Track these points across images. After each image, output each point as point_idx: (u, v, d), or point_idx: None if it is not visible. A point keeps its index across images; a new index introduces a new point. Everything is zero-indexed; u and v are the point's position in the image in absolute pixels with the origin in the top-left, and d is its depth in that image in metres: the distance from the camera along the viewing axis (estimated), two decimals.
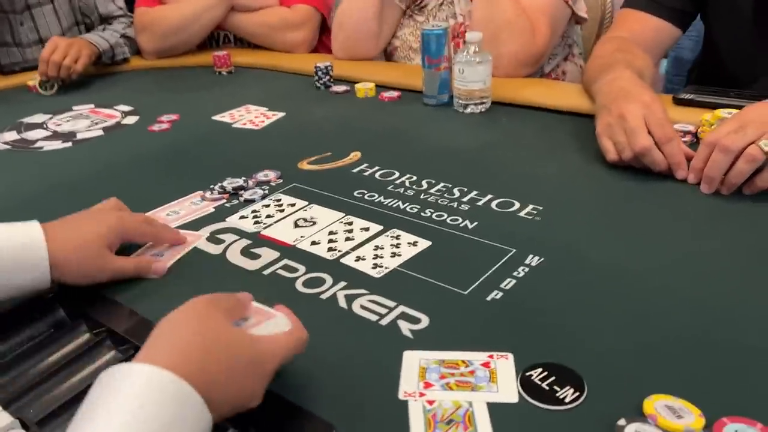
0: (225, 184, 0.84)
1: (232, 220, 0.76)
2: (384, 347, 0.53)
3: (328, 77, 1.28)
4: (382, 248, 0.67)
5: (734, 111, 0.81)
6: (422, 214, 0.75)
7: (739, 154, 0.71)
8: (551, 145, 0.93)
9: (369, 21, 1.34)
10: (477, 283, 0.60)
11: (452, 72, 1.08)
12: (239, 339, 0.44)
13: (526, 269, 0.62)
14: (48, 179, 0.94)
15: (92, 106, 1.28)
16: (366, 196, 0.80)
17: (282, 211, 0.78)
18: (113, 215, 0.66)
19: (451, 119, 1.06)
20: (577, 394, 0.46)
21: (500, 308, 0.57)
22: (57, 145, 1.08)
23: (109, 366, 0.54)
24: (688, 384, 0.47)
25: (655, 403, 0.44)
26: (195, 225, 0.75)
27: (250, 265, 0.66)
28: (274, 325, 0.48)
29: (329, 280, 0.63)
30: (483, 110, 1.07)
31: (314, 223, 0.74)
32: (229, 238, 0.72)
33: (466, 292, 0.59)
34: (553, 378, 0.48)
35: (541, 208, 0.74)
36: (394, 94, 1.19)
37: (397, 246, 0.68)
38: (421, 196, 0.79)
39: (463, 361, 0.50)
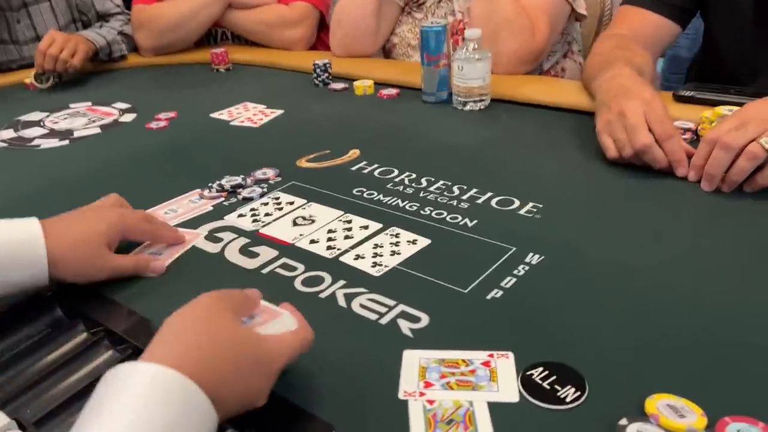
0: (223, 182, 0.84)
1: (231, 219, 0.76)
2: (384, 346, 0.52)
3: (326, 74, 1.27)
4: (382, 246, 0.67)
5: (735, 108, 0.81)
6: (422, 212, 0.74)
7: (740, 152, 0.71)
8: (551, 143, 0.93)
9: (367, 18, 1.33)
10: (477, 282, 0.60)
11: (451, 69, 1.07)
12: (246, 338, 0.43)
13: (527, 267, 0.62)
14: (45, 177, 0.94)
15: (89, 103, 1.27)
16: (365, 194, 0.80)
17: (280, 209, 0.77)
18: (114, 212, 0.65)
19: (450, 116, 1.06)
20: (578, 393, 0.46)
21: (500, 307, 0.57)
22: (54, 143, 1.07)
23: (106, 365, 0.54)
24: (690, 383, 0.46)
25: (657, 403, 0.44)
26: (193, 223, 0.75)
27: (249, 263, 0.66)
28: (281, 324, 0.48)
29: (328, 278, 0.62)
30: (482, 107, 1.07)
31: (313, 221, 0.74)
32: (227, 236, 0.72)
33: (466, 291, 0.59)
34: (554, 377, 0.47)
35: (541, 205, 0.74)
36: (393, 91, 1.19)
37: (396, 244, 0.67)
38: (421, 194, 0.79)
39: (464, 361, 0.50)
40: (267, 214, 0.76)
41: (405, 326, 0.55)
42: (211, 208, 0.79)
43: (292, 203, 0.78)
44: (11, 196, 0.88)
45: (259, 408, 0.43)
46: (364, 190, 0.81)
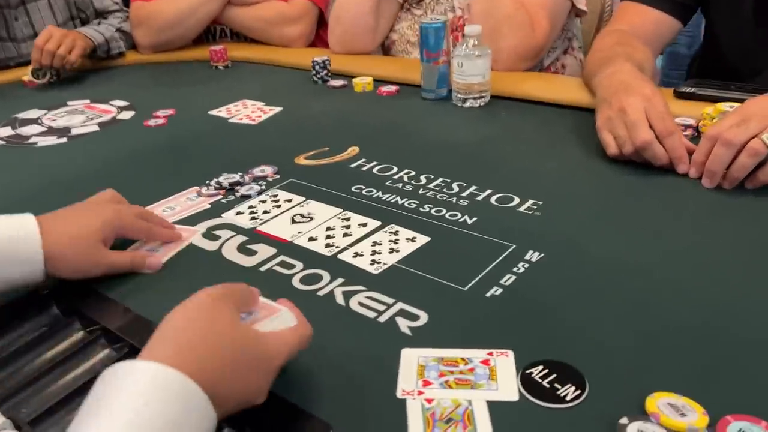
0: (221, 179, 0.83)
1: (229, 216, 0.75)
2: (382, 344, 0.52)
3: (325, 71, 1.27)
4: (380, 244, 0.67)
5: (736, 104, 0.81)
6: (421, 209, 0.74)
7: (742, 148, 0.70)
8: (551, 140, 0.92)
9: (366, 15, 1.32)
10: (476, 279, 0.60)
11: (451, 66, 1.06)
12: (246, 336, 0.43)
13: (526, 265, 0.61)
14: (42, 175, 0.93)
15: (87, 101, 1.27)
16: (364, 192, 0.79)
17: (279, 206, 0.77)
18: (109, 209, 0.65)
19: (450, 113, 1.05)
20: (579, 392, 0.45)
21: (500, 304, 0.56)
22: (52, 140, 1.07)
23: (103, 364, 0.54)
24: (692, 381, 0.46)
25: (658, 401, 0.43)
26: (191, 221, 0.74)
27: (247, 261, 0.66)
28: (280, 321, 0.47)
29: (327, 276, 0.62)
30: (482, 104, 1.06)
31: (311, 218, 0.73)
32: (225, 234, 0.71)
33: (465, 289, 0.58)
34: (553, 376, 0.47)
35: (541, 202, 0.74)
36: (392, 88, 1.18)
37: (395, 242, 0.67)
38: (420, 191, 0.78)
39: (463, 359, 0.49)
40: (265, 212, 0.75)
41: (404, 324, 0.54)
42: (209, 205, 0.78)
43: (290, 201, 0.78)
44: (8, 194, 0.88)
45: (258, 406, 0.43)
46: (363, 187, 0.80)
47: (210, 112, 1.14)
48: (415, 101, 1.12)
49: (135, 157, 0.97)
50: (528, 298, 0.57)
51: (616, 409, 0.43)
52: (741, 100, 0.79)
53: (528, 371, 0.48)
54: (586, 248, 0.64)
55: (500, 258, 0.63)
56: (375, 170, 0.85)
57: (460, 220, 0.71)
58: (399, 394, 0.46)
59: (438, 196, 0.77)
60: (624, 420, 0.42)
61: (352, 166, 0.87)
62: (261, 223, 0.73)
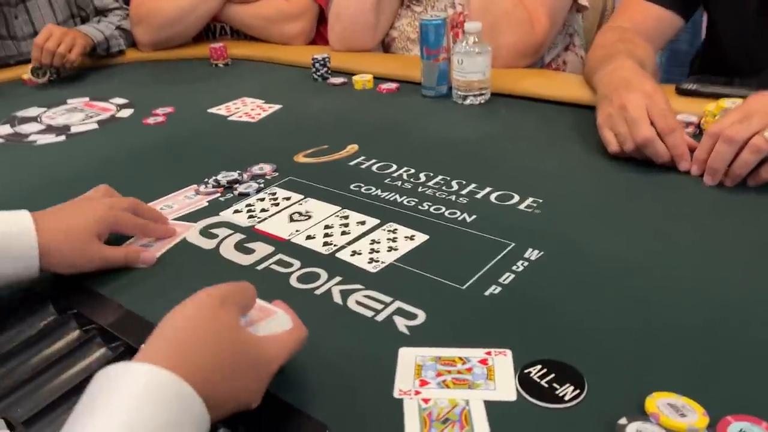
0: (219, 177, 0.83)
1: (226, 215, 0.75)
2: (379, 344, 0.51)
3: (325, 69, 1.26)
4: (379, 242, 0.66)
5: (738, 101, 0.80)
6: (420, 207, 0.73)
7: (744, 145, 0.70)
8: (551, 137, 0.91)
9: (366, 13, 1.32)
10: (475, 278, 0.59)
11: (451, 63, 1.06)
12: (245, 340, 0.43)
13: (526, 263, 0.61)
14: (41, 173, 0.93)
15: (87, 99, 1.26)
16: (363, 190, 0.79)
17: (277, 204, 0.76)
18: (102, 206, 0.65)
19: (450, 111, 1.05)
20: (577, 391, 0.45)
21: (498, 303, 0.56)
22: (50, 138, 1.07)
23: (99, 363, 0.53)
24: (692, 381, 0.45)
25: (657, 401, 0.43)
26: (188, 219, 0.74)
27: (244, 260, 0.65)
28: (277, 323, 0.47)
29: (324, 275, 0.61)
30: (482, 102, 1.05)
31: (309, 217, 0.73)
32: (222, 232, 0.71)
33: (463, 287, 0.58)
34: (552, 375, 0.46)
35: (540, 200, 0.73)
36: (393, 85, 1.17)
37: (393, 240, 0.66)
38: (419, 189, 0.78)
39: (460, 358, 0.49)
40: (263, 210, 0.75)
41: (401, 323, 0.54)
42: (207, 203, 0.78)
43: (288, 199, 0.77)
44: (7, 192, 0.87)
45: (253, 409, 0.42)
46: (362, 185, 0.80)
47: (209, 110, 1.14)
48: (416, 99, 1.12)
49: (134, 155, 0.96)
50: (527, 297, 0.56)
51: (615, 410, 0.43)
52: (743, 97, 0.79)
53: (526, 371, 0.47)
54: (585, 246, 0.63)
55: (499, 256, 0.62)
56: (374, 168, 0.85)
57: (459, 218, 0.70)
58: (396, 394, 0.46)
59: (437, 194, 0.76)
60: (623, 420, 0.42)
61: (351, 164, 0.87)
62: (259, 222, 0.73)
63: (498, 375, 0.47)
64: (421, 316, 0.54)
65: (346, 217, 0.72)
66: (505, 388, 0.46)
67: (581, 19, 1.38)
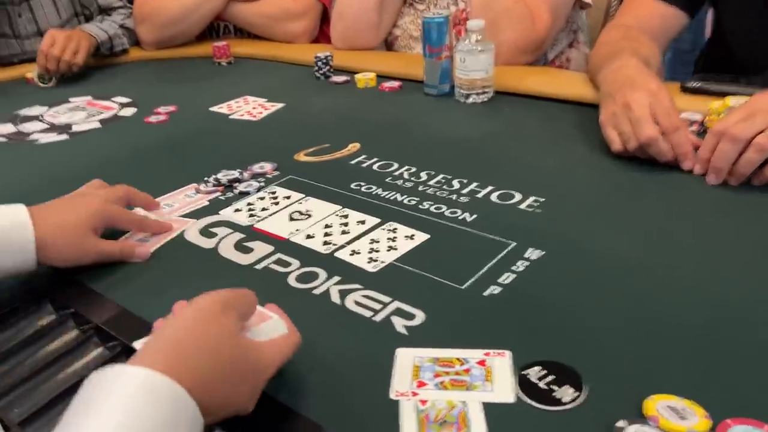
0: (220, 176, 0.82)
1: (226, 213, 0.75)
2: (377, 344, 0.51)
3: (327, 67, 1.26)
4: (378, 242, 0.66)
5: (743, 99, 0.79)
6: (420, 206, 0.73)
7: (748, 144, 0.69)
8: (554, 136, 0.91)
9: (369, 11, 1.31)
10: (475, 278, 0.58)
11: (454, 61, 1.05)
12: (243, 346, 0.43)
13: (526, 263, 0.60)
14: (42, 172, 0.93)
15: (90, 97, 1.26)
16: (363, 188, 0.78)
17: (277, 203, 0.76)
18: (98, 200, 0.65)
19: (453, 109, 1.04)
20: (576, 393, 0.44)
21: (498, 304, 0.55)
22: (53, 137, 1.07)
23: (95, 363, 0.53)
24: (692, 383, 0.45)
25: (657, 404, 0.42)
26: (188, 218, 0.74)
27: (243, 259, 0.65)
28: (273, 329, 0.47)
29: (323, 274, 0.61)
30: (485, 100, 1.05)
31: (309, 216, 0.72)
32: (222, 231, 0.70)
33: (463, 287, 0.57)
34: (551, 377, 0.46)
35: (542, 200, 0.72)
36: (395, 84, 1.17)
37: (393, 239, 0.66)
38: (420, 188, 0.77)
39: (459, 359, 0.48)
40: (263, 209, 0.75)
41: (399, 323, 0.53)
42: (207, 202, 0.77)
43: (288, 198, 0.77)
44: (9, 191, 0.87)
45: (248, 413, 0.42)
46: (363, 184, 0.79)
47: (211, 109, 1.14)
48: (418, 97, 1.11)
49: (135, 154, 0.96)
50: (527, 297, 0.56)
51: (614, 412, 0.42)
52: (748, 95, 0.78)
53: (525, 372, 0.47)
54: (587, 246, 0.63)
55: (499, 256, 0.62)
56: (375, 167, 0.84)
57: (460, 218, 0.70)
58: (393, 395, 0.45)
59: (438, 193, 0.76)
60: (621, 423, 0.41)
61: (353, 162, 0.86)
62: (258, 221, 0.72)
63: (496, 376, 0.46)
64: (420, 317, 0.54)
65: (346, 217, 0.71)
66: (504, 389, 0.45)
67: (585, 16, 1.37)
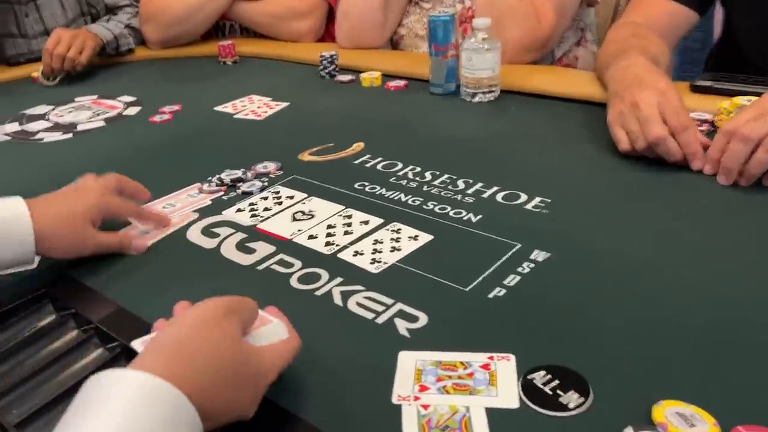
0: (223, 176, 0.82)
1: (229, 213, 0.74)
2: (379, 347, 0.50)
3: (333, 66, 1.25)
4: (382, 242, 0.65)
5: (753, 98, 0.77)
6: (425, 206, 0.72)
7: (759, 143, 0.67)
8: (561, 135, 0.90)
9: (375, 11, 1.30)
10: (479, 280, 0.58)
11: (460, 59, 1.04)
12: (246, 351, 0.42)
13: (532, 265, 0.59)
14: (47, 171, 0.93)
15: (95, 97, 1.26)
16: (367, 189, 0.77)
17: (280, 203, 0.75)
18: (95, 192, 0.66)
19: (459, 108, 1.03)
20: (582, 399, 0.43)
21: (503, 306, 0.54)
22: (57, 136, 1.07)
23: (95, 363, 0.53)
24: (701, 389, 0.44)
25: (665, 410, 0.41)
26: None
27: (245, 259, 0.64)
28: (273, 333, 0.46)
29: (325, 275, 0.60)
30: (491, 99, 1.04)
31: (312, 216, 0.72)
32: (224, 231, 0.70)
33: (467, 289, 0.56)
34: (556, 382, 0.45)
35: (549, 200, 0.71)
36: (401, 83, 1.16)
37: (397, 240, 0.65)
38: (425, 188, 0.76)
39: (462, 363, 0.47)
40: (266, 209, 0.74)
41: (402, 326, 0.52)
42: (210, 202, 0.77)
43: (292, 198, 0.76)
44: (13, 189, 0.86)
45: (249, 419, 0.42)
46: (367, 184, 0.79)
47: (216, 108, 1.13)
48: (424, 96, 1.10)
49: (139, 153, 0.96)
50: (532, 300, 0.55)
51: (621, 419, 0.41)
52: (758, 94, 0.76)
53: (530, 377, 0.46)
54: (594, 247, 0.62)
55: (504, 257, 0.61)
56: (379, 167, 0.84)
57: (465, 218, 0.69)
58: (394, 400, 0.45)
59: (443, 194, 0.75)
60: (629, 430, 0.40)
61: (357, 162, 0.86)
62: (261, 221, 0.72)
63: (500, 381, 0.46)
64: (423, 319, 0.53)
65: (350, 217, 0.71)
66: (508, 394, 0.44)
67: (593, 14, 1.35)
